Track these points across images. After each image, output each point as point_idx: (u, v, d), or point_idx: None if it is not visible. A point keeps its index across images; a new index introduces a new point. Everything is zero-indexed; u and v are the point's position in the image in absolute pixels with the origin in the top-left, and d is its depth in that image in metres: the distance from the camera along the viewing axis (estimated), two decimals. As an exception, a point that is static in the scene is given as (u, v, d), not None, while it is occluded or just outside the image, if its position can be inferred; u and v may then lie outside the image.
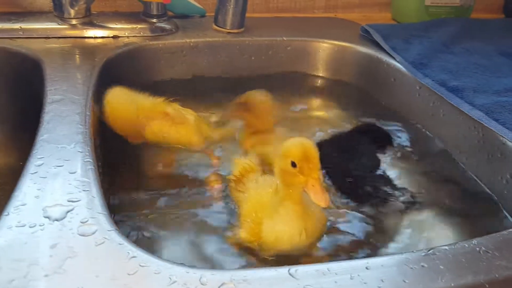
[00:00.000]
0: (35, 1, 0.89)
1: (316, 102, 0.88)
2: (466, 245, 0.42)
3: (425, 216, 0.60)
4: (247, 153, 0.63)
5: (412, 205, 0.60)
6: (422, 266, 0.39)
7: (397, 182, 0.63)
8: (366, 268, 0.39)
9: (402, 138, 0.75)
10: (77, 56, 0.76)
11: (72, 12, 0.83)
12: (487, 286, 0.38)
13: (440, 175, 0.68)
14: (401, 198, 0.60)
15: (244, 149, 0.67)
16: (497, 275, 0.39)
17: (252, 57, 0.91)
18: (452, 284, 0.38)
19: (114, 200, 0.57)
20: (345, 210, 0.59)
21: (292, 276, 0.37)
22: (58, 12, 0.83)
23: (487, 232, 0.45)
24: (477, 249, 0.42)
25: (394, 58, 0.83)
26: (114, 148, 0.65)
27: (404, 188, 0.62)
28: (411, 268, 0.39)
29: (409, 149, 0.72)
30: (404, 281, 0.38)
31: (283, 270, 0.38)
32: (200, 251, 0.51)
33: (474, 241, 0.43)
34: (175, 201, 0.59)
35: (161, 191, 0.60)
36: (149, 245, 0.51)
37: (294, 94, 0.87)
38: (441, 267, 0.39)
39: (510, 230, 0.45)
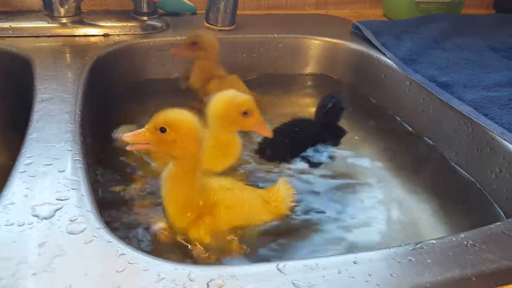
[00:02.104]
0: (25, 0, 0.89)
1: (306, 99, 0.88)
2: (454, 239, 0.43)
3: (415, 209, 0.60)
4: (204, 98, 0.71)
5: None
6: (410, 260, 0.40)
7: (384, 176, 0.64)
8: (354, 262, 0.39)
9: (392, 133, 0.75)
10: (67, 54, 0.75)
11: (62, 10, 0.83)
12: (473, 279, 0.39)
13: (430, 169, 0.68)
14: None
15: (201, 95, 0.75)
16: (484, 268, 0.40)
17: (243, 54, 0.91)
18: (439, 278, 0.38)
19: (104, 197, 0.57)
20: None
21: (281, 272, 0.38)
22: (48, 11, 0.83)
23: (477, 226, 0.45)
24: (465, 242, 0.42)
25: (384, 55, 0.84)
26: (105, 145, 0.65)
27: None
28: (399, 262, 0.39)
29: (398, 144, 0.73)
30: (392, 275, 0.38)
31: (271, 266, 0.38)
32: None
33: (462, 235, 0.43)
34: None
35: (152, 187, 0.60)
36: (139, 242, 0.51)
37: (285, 91, 0.87)
38: (429, 260, 0.40)
39: (498, 223, 0.46)
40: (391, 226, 0.57)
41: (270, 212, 0.54)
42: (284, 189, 0.55)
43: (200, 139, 0.49)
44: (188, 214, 0.51)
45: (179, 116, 0.49)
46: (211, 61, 0.77)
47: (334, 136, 0.73)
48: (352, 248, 0.52)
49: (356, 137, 0.74)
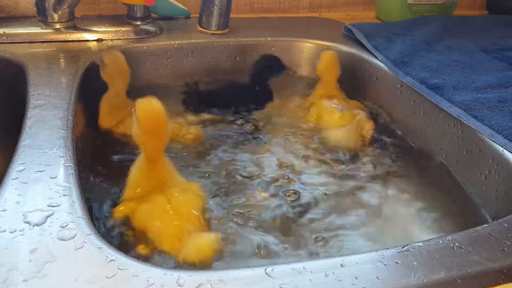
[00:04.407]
0: (19, 6, 0.89)
1: (298, 101, 0.88)
2: (440, 241, 0.43)
3: (403, 211, 0.61)
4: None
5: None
6: (396, 262, 0.40)
7: (372, 177, 0.64)
8: (341, 265, 0.40)
9: (383, 136, 0.76)
10: (61, 60, 0.76)
11: (56, 16, 0.83)
12: (459, 281, 0.39)
13: (420, 172, 0.69)
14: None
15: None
16: (469, 270, 0.40)
17: (237, 57, 0.91)
18: (425, 280, 0.39)
19: (96, 202, 0.57)
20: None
21: (269, 276, 0.38)
22: (41, 16, 0.83)
23: (466, 228, 0.46)
24: (451, 245, 0.43)
25: (376, 57, 0.84)
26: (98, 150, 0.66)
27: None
28: (385, 265, 0.40)
29: (389, 146, 0.73)
30: (378, 278, 0.39)
31: (259, 270, 0.38)
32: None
33: (449, 237, 0.44)
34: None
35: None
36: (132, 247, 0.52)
37: (278, 95, 0.88)
38: (415, 263, 0.40)
39: (485, 225, 0.46)
40: (378, 228, 0.57)
41: None
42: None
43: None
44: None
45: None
46: (121, 89, 0.71)
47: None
48: (341, 250, 0.53)
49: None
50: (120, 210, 0.53)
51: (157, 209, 0.51)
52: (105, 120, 0.71)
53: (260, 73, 0.73)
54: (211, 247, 0.49)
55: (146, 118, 0.51)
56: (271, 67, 0.73)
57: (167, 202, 0.51)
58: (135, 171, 0.54)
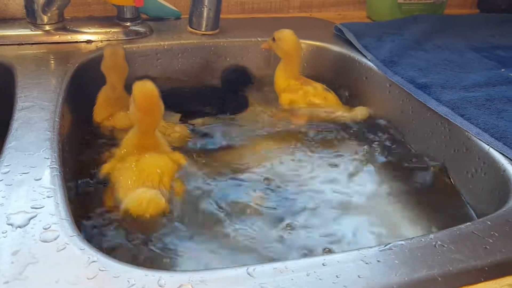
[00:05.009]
0: (8, 8, 0.89)
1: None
2: (423, 240, 0.43)
3: (390, 210, 0.61)
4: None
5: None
6: (378, 261, 0.41)
7: (361, 176, 0.65)
8: (323, 264, 0.40)
9: (372, 135, 0.76)
10: (50, 62, 0.76)
11: (45, 18, 0.83)
12: (440, 279, 0.40)
13: (408, 170, 0.69)
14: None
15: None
16: (451, 268, 0.40)
17: (227, 58, 0.92)
18: (406, 278, 0.39)
19: (82, 205, 0.58)
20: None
21: (250, 275, 0.38)
22: (31, 18, 0.83)
23: (452, 227, 0.46)
24: (433, 243, 0.43)
25: (366, 57, 0.84)
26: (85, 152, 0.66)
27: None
28: (367, 263, 0.40)
29: (379, 145, 0.74)
30: (359, 277, 0.39)
31: (241, 270, 0.39)
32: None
33: (431, 235, 0.44)
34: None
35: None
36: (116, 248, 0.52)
37: (267, 95, 0.88)
38: (396, 261, 0.41)
39: (468, 224, 0.47)
40: (365, 227, 0.57)
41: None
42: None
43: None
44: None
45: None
46: (116, 83, 0.72)
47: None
48: (326, 249, 0.53)
49: (337, 139, 0.75)
50: (105, 166, 0.60)
51: (124, 166, 0.58)
52: (99, 112, 0.73)
53: (231, 83, 0.75)
54: (149, 201, 0.53)
55: (140, 97, 0.58)
56: (239, 79, 0.75)
57: (134, 161, 0.58)
58: (127, 138, 0.61)
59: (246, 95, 0.79)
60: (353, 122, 0.79)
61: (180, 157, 0.62)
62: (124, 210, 0.53)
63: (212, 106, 0.83)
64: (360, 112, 0.80)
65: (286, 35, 0.80)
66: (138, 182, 0.55)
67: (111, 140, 0.70)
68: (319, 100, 0.80)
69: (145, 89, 0.59)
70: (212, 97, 0.87)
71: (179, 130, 0.71)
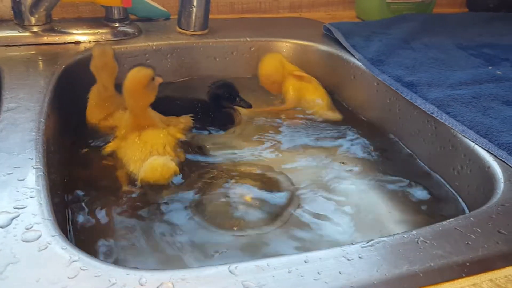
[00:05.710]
0: (-4, 10, 0.89)
1: (278, 101, 0.88)
2: (405, 236, 0.44)
3: (380, 207, 0.61)
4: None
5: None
6: (360, 257, 0.41)
7: (350, 173, 0.65)
8: (305, 261, 0.40)
9: (360, 134, 0.76)
10: (38, 63, 0.76)
11: (33, 19, 0.83)
12: (421, 275, 0.40)
13: (395, 167, 0.69)
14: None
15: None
16: (432, 264, 0.41)
17: (216, 58, 0.92)
18: (387, 274, 0.39)
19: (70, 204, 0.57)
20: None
21: (232, 273, 0.38)
22: (18, 20, 0.83)
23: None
24: (416, 239, 0.43)
25: (354, 56, 0.85)
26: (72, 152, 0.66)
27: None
28: (349, 260, 0.40)
29: (367, 144, 0.74)
30: (340, 273, 0.39)
31: (222, 268, 0.39)
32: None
33: (414, 231, 0.44)
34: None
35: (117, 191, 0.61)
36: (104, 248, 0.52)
37: (257, 94, 0.88)
38: (378, 258, 0.41)
39: (451, 220, 0.47)
40: (354, 223, 0.57)
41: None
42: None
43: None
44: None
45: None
46: (107, 82, 0.72)
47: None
48: (312, 246, 0.53)
49: (326, 138, 0.75)
50: (109, 145, 0.66)
51: (129, 142, 0.64)
52: (93, 113, 0.72)
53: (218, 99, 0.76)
54: (162, 166, 0.60)
55: (128, 82, 0.64)
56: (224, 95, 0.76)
57: (137, 137, 0.64)
58: (124, 120, 0.67)
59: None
60: (338, 120, 0.80)
61: (176, 131, 0.69)
62: (141, 179, 0.60)
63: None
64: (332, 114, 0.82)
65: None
66: (145, 152, 0.62)
67: (100, 139, 0.70)
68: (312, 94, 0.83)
69: (135, 74, 0.65)
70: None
71: (184, 121, 0.73)
